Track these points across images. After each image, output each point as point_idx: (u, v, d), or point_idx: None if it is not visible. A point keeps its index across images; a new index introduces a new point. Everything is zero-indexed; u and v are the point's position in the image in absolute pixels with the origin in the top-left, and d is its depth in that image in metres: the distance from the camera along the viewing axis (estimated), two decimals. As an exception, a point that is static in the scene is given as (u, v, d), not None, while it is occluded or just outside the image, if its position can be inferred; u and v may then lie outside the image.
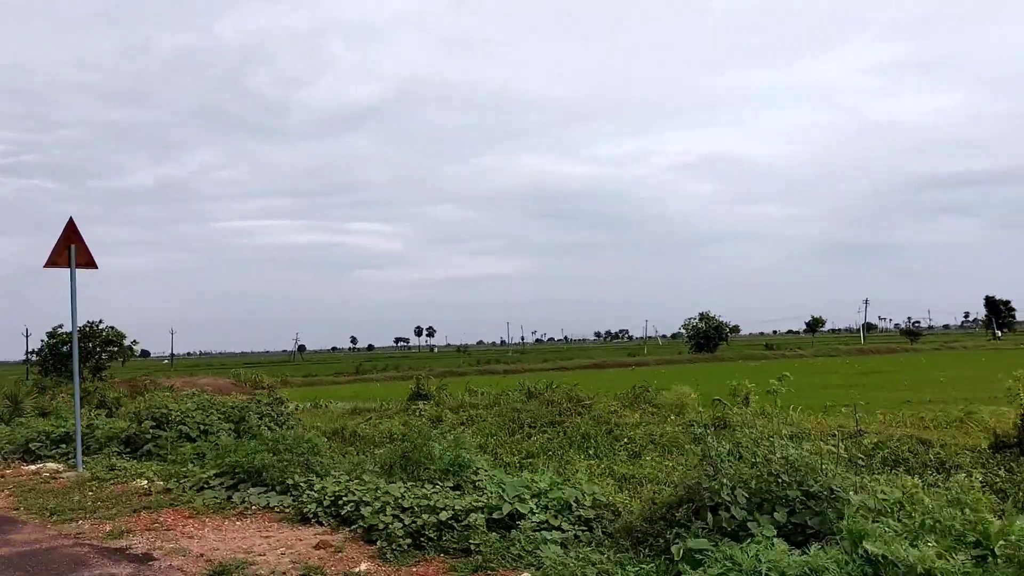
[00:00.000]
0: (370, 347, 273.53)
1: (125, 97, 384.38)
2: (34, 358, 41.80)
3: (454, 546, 5.50)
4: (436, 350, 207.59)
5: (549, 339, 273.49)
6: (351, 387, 49.50)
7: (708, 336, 75.71)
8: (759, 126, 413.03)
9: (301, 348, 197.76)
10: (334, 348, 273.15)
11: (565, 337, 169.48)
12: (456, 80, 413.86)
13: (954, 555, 3.94)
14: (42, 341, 41.72)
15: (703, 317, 76.93)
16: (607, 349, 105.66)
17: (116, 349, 41.15)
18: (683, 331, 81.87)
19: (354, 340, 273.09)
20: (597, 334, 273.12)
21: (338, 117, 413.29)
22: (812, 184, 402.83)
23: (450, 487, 6.79)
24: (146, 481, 8.71)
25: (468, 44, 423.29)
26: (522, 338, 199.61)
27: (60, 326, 42.49)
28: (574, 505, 6.02)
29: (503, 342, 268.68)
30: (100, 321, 42.92)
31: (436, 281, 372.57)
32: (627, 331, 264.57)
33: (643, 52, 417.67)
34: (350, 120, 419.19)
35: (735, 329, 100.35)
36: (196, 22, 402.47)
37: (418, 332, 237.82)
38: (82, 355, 42.08)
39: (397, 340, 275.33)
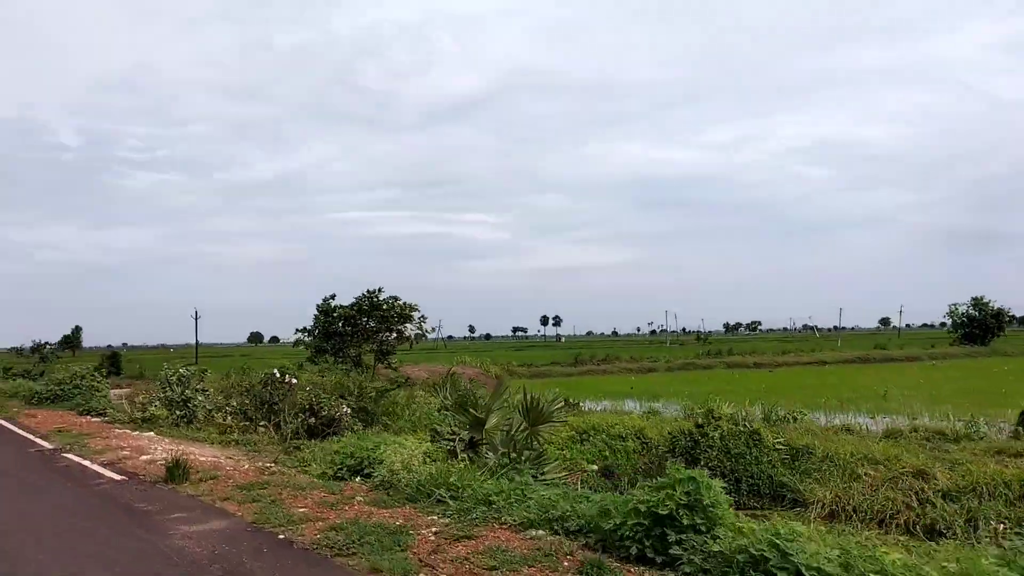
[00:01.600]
0: (487, 336, 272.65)
1: (245, 93, 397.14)
2: (306, 337, 37.10)
3: None
4: (563, 339, 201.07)
5: (678, 330, 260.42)
6: (611, 379, 43.34)
7: (986, 326, 65.65)
8: (877, 108, 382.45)
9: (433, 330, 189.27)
10: (450, 337, 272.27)
11: (700, 330, 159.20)
12: (559, 68, 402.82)
13: None
14: (315, 316, 36.96)
15: (976, 303, 66.82)
16: (791, 341, 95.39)
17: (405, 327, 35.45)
18: (947, 319, 71.66)
19: (472, 329, 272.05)
20: (726, 326, 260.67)
21: (445, 109, 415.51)
22: (936, 168, 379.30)
23: None
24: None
25: (571, 32, 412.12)
26: (684, 328, 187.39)
27: (332, 296, 37.01)
28: None
29: (615, 333, 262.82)
30: (380, 290, 36.47)
31: (542, 270, 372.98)
32: (758, 323, 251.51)
33: (750, 32, 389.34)
34: (456, 111, 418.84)
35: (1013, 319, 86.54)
36: (313, 18, 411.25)
37: (543, 321, 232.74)
38: (363, 333, 36.77)
39: (515, 329, 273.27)
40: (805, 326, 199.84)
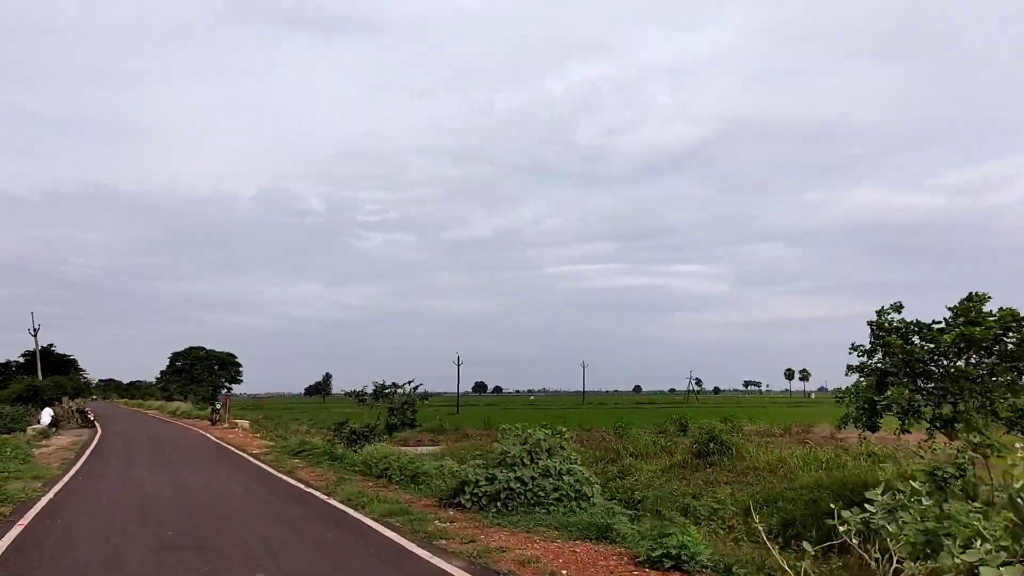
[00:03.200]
0: (716, 390, 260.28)
1: (467, 155, 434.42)
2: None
3: None
4: (813, 395, 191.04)
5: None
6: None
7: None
8: None
9: (698, 382, 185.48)
10: (672, 389, 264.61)
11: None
12: (776, 115, 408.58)
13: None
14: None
15: None
16: None
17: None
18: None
19: (699, 382, 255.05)
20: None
21: (658, 161, 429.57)
22: None
23: None
24: None
25: (786, 77, 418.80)
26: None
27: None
28: None
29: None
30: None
31: (759, 323, 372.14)
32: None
33: (983, 67, 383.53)
34: (669, 163, 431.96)
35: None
36: (530, 81, 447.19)
37: (789, 375, 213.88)
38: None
39: (747, 383, 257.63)
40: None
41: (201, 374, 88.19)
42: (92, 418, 38.70)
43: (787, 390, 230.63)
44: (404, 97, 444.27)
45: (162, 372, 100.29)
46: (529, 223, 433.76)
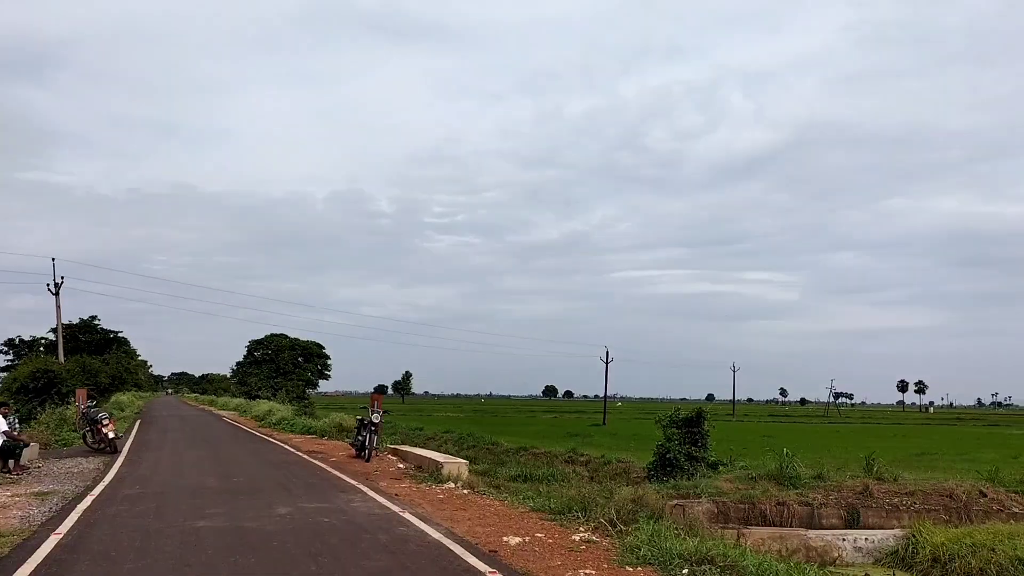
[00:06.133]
0: (803, 401, 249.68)
1: (538, 160, 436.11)
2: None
3: None
4: (931, 410, 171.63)
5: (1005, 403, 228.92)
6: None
7: None
8: None
9: (837, 396, 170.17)
10: (749, 399, 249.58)
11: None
12: (859, 119, 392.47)
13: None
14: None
15: None
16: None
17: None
18: None
19: (783, 392, 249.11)
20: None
21: (732, 166, 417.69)
22: None
23: None
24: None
25: (873, 80, 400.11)
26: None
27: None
28: None
29: (951, 405, 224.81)
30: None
31: (840, 332, 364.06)
32: None
33: None
34: (744, 168, 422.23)
35: None
36: (602, 85, 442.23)
37: (902, 387, 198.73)
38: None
39: (838, 395, 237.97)
40: None
41: (287, 366, 69.83)
42: (113, 434, 19.01)
43: (899, 403, 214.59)
44: (476, 102, 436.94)
45: (238, 364, 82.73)
46: (599, 228, 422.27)
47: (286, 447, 21.69)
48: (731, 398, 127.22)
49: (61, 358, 35.37)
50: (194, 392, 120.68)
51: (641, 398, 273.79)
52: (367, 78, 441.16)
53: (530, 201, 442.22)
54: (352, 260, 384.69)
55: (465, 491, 12.47)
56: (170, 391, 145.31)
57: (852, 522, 16.03)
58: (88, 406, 22.81)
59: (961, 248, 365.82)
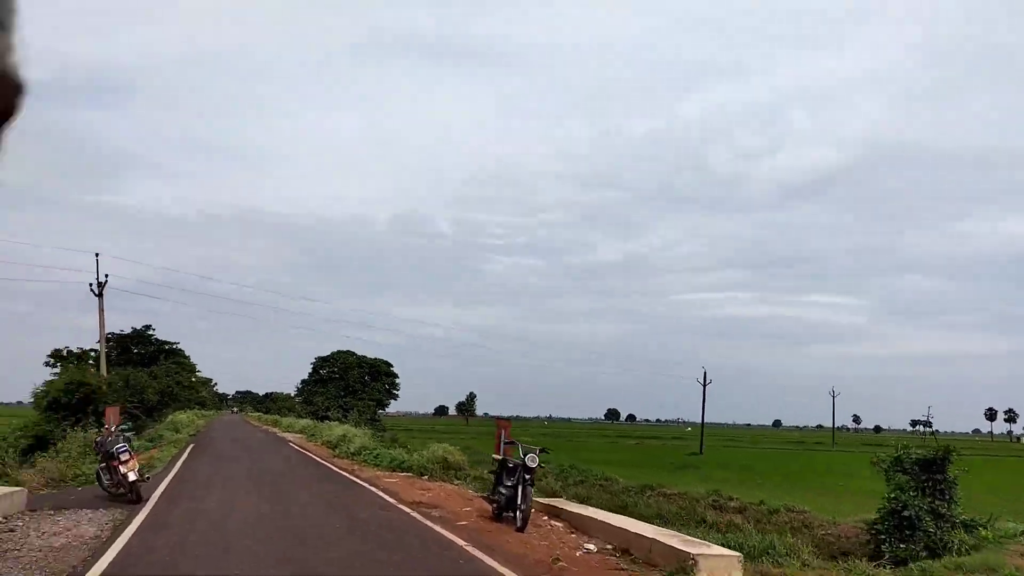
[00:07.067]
0: (877, 428, 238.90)
1: (596, 181, 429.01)
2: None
3: None
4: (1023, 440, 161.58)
5: None
6: None
7: None
8: None
9: (928, 425, 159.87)
10: (819, 426, 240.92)
11: None
12: (928, 139, 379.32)
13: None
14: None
15: None
16: None
17: None
18: None
19: (856, 419, 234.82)
20: None
21: (794, 187, 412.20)
22: None
23: None
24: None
25: (942, 98, 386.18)
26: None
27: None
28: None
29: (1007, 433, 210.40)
30: None
31: (912, 358, 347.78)
32: None
33: None
34: (807, 189, 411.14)
35: None
36: (662, 106, 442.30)
37: (990, 416, 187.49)
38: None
39: (914, 423, 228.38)
40: None
41: (356, 384, 64.35)
42: (135, 475, 12.90)
43: (989, 432, 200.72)
44: (535, 123, 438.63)
45: (303, 382, 78.11)
46: (658, 249, 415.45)
47: (379, 493, 15.25)
48: (805, 424, 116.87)
49: (103, 370, 30.12)
50: (258, 411, 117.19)
51: (709, 423, 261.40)
52: (426, 101, 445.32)
53: (589, 222, 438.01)
54: (411, 281, 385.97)
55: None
56: (235, 409, 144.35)
57: None
58: (121, 429, 16.83)
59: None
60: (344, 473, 19.71)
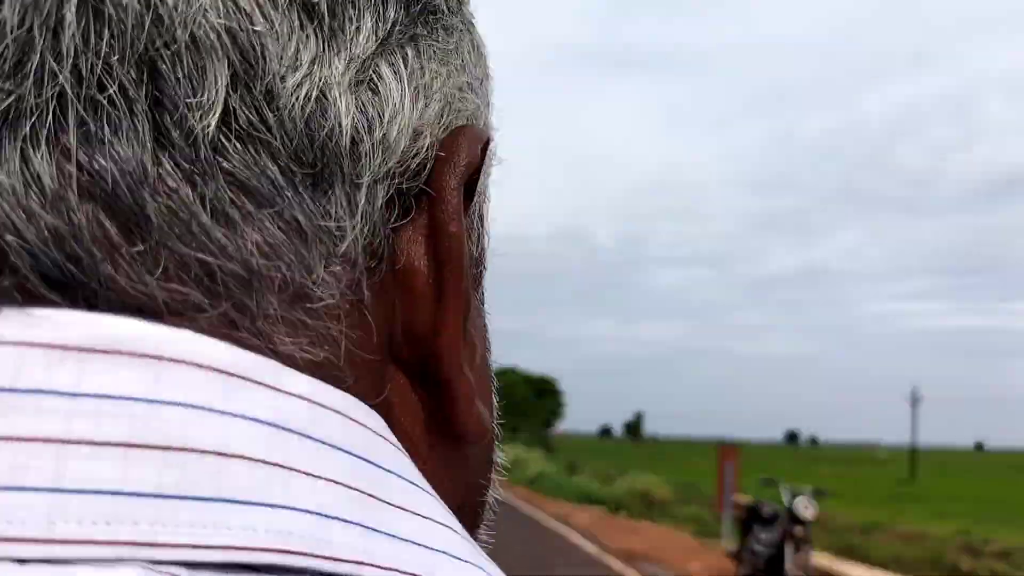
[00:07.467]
0: None
1: (768, 185, 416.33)
2: None
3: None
4: None
5: None
6: None
7: None
8: None
9: None
10: None
11: None
12: None
13: None
14: None
15: None
16: None
17: None
18: None
19: None
20: None
21: (995, 184, 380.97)
22: None
23: None
24: None
25: None
26: None
27: None
28: None
29: None
30: None
31: None
32: None
33: None
34: (1010, 187, 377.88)
35: None
36: (840, 101, 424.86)
37: None
38: None
39: None
40: None
41: (523, 404, 62.54)
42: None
43: None
44: (700, 127, 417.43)
45: (466, 401, 77.64)
46: (840, 256, 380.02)
47: (577, 542, 12.17)
48: (1013, 447, 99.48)
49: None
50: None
51: (896, 444, 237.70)
52: (586, 111, 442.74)
53: (761, 229, 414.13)
54: (572, 295, 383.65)
55: None
56: None
57: None
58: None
59: None
60: (524, 506, 16.90)
